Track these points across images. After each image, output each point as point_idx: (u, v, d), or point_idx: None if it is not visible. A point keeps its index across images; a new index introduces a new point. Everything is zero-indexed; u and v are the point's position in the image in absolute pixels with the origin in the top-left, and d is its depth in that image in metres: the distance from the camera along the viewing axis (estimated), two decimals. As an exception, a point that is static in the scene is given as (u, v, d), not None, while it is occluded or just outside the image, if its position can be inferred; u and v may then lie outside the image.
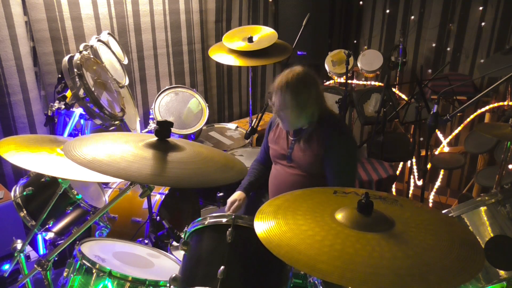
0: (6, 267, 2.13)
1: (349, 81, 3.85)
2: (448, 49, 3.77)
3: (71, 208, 1.96)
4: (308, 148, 2.08)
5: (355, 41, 4.39)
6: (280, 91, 2.01)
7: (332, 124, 2.09)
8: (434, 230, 1.26)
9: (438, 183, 3.72)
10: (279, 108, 2.04)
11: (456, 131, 3.62)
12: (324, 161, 2.05)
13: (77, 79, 2.13)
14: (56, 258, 1.57)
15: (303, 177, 2.12)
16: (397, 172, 3.73)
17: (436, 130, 3.24)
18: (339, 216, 1.26)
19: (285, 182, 2.17)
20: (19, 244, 1.85)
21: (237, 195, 2.22)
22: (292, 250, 1.14)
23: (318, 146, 2.05)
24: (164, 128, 1.40)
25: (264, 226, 1.25)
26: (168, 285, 1.46)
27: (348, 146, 2.08)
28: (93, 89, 2.17)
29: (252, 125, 2.75)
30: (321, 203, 1.37)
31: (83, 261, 1.59)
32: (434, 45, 3.83)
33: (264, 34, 3.14)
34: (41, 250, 2.36)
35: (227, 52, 3.10)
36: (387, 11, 4.06)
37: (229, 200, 2.21)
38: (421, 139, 3.80)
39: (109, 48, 2.70)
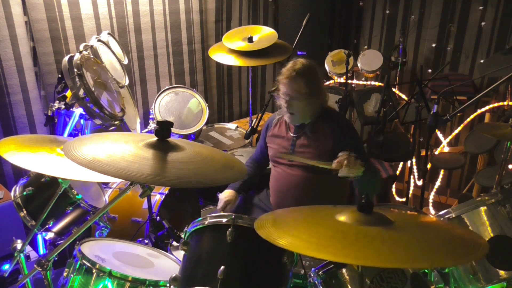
0: (6, 267, 2.13)
1: (349, 81, 3.85)
2: (448, 49, 3.77)
3: (71, 208, 1.96)
4: (311, 142, 2.09)
5: (355, 41, 4.38)
6: (293, 80, 2.01)
7: (334, 117, 2.14)
8: (435, 230, 1.26)
9: (438, 183, 3.72)
10: (294, 97, 2.03)
11: (456, 131, 3.62)
12: (338, 151, 2.06)
13: (77, 79, 2.14)
14: (56, 258, 1.57)
15: (305, 177, 2.12)
16: (397, 172, 3.73)
17: (436, 130, 3.24)
18: (340, 217, 1.26)
19: (287, 183, 2.17)
20: (19, 244, 1.84)
21: (230, 194, 2.24)
22: (294, 238, 1.14)
23: (325, 140, 2.07)
24: (164, 128, 1.39)
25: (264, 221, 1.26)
26: (168, 285, 1.46)
27: (354, 131, 2.16)
28: (93, 89, 2.17)
29: (252, 125, 2.75)
30: (322, 210, 1.38)
31: (83, 261, 1.59)
32: (434, 45, 3.83)
33: (264, 34, 3.14)
34: (41, 250, 2.35)
35: (227, 52, 3.10)
36: (387, 11, 4.06)
37: (222, 199, 2.23)
38: (421, 139, 3.80)
39: (109, 48, 2.70)
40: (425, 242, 1.13)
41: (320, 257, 1.37)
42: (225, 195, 2.25)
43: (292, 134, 2.16)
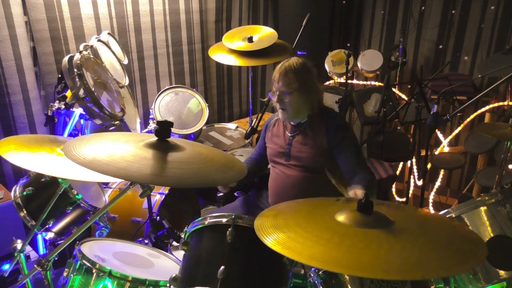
0: (6, 267, 2.13)
1: (349, 81, 3.85)
2: (448, 49, 3.77)
3: (71, 208, 1.96)
4: (308, 142, 2.10)
5: (348, 44, 4.39)
6: (283, 75, 2.04)
7: (330, 117, 2.13)
8: (435, 230, 1.26)
9: (438, 183, 3.72)
10: (284, 91, 2.05)
11: (456, 131, 3.62)
12: (333, 153, 2.07)
13: (77, 79, 2.14)
14: (56, 258, 1.57)
15: (302, 177, 2.12)
16: (397, 172, 3.73)
17: (436, 130, 3.24)
18: (339, 217, 1.26)
19: (284, 184, 2.17)
20: (19, 244, 1.85)
21: None
22: (288, 243, 1.14)
23: (320, 139, 2.07)
24: (164, 128, 1.40)
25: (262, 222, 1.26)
26: (168, 285, 1.46)
27: (349, 130, 2.14)
28: (93, 89, 2.17)
29: (252, 125, 2.75)
30: (322, 207, 1.37)
31: (83, 261, 1.59)
32: (434, 45, 3.83)
33: (264, 34, 3.14)
34: (41, 250, 2.36)
35: (227, 52, 3.10)
36: (387, 11, 4.06)
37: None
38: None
39: (109, 48, 2.70)
40: (422, 247, 1.12)
41: (313, 265, 1.37)
42: None
43: (289, 134, 2.17)
